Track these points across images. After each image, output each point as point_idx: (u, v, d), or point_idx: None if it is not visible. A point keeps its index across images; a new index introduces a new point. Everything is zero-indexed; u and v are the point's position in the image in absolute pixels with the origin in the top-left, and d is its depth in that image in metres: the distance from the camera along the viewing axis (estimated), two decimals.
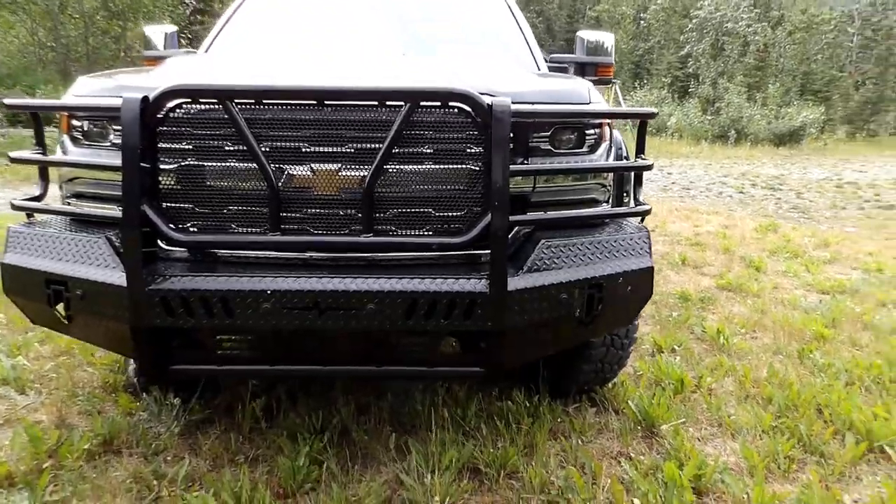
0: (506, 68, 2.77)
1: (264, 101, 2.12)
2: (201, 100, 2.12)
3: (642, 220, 2.64)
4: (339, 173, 2.16)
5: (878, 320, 4.65)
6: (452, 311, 2.11)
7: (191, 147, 2.15)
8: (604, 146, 2.48)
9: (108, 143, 2.35)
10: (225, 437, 2.79)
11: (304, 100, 2.13)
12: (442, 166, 2.18)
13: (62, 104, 2.36)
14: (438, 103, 2.13)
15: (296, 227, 2.18)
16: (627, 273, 2.32)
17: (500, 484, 2.54)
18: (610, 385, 3.30)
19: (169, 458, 2.65)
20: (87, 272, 2.17)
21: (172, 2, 18.39)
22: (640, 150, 2.52)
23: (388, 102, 2.12)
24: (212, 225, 2.19)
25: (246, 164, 2.15)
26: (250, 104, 2.11)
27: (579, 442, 2.84)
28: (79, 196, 2.47)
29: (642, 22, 44.06)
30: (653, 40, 42.18)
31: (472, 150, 2.17)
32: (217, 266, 2.24)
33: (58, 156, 2.41)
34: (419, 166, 2.18)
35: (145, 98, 2.05)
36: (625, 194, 2.88)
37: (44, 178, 2.54)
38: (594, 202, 2.51)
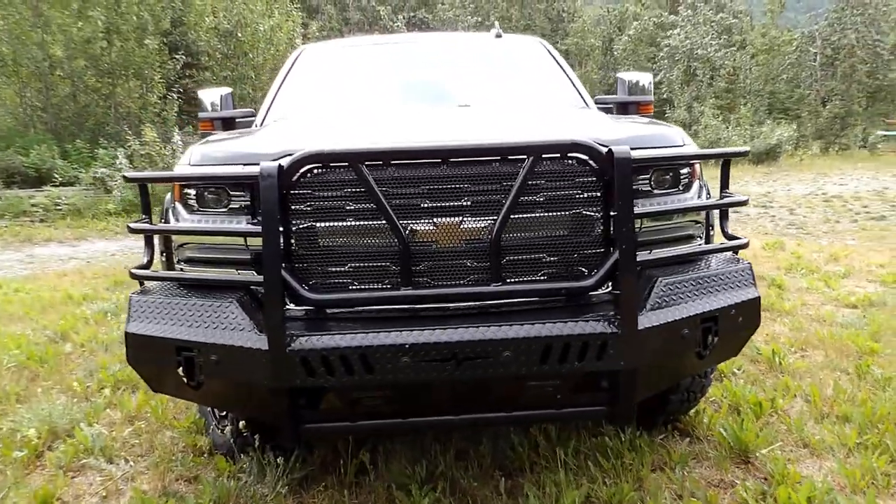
0: (590, 116, 2.88)
1: (392, 162, 2.21)
2: (332, 164, 2.19)
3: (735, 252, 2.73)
4: (464, 226, 2.23)
5: None
6: (585, 353, 2.17)
7: (320, 209, 2.21)
8: (696, 184, 2.59)
9: (226, 210, 2.40)
10: (332, 493, 2.80)
11: (431, 159, 2.21)
12: (560, 213, 2.27)
13: (196, 174, 2.40)
14: (558, 155, 2.22)
15: (426, 280, 2.24)
16: (738, 305, 2.41)
17: None
18: (692, 413, 3.36)
19: None
20: (222, 337, 2.20)
21: (162, 57, 18.50)
22: (724, 185, 2.64)
23: (510, 157, 2.22)
24: (343, 283, 2.24)
25: (374, 223, 2.21)
26: (378, 165, 2.19)
27: (683, 473, 2.89)
28: (189, 261, 2.51)
29: (609, 54, 45.10)
30: (622, 70, 43.08)
31: (589, 196, 2.26)
32: (338, 323, 2.28)
33: (185, 224, 2.44)
34: (540, 215, 2.26)
35: (280, 166, 2.12)
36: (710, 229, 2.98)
37: (150, 245, 2.59)
38: (691, 238, 2.61)
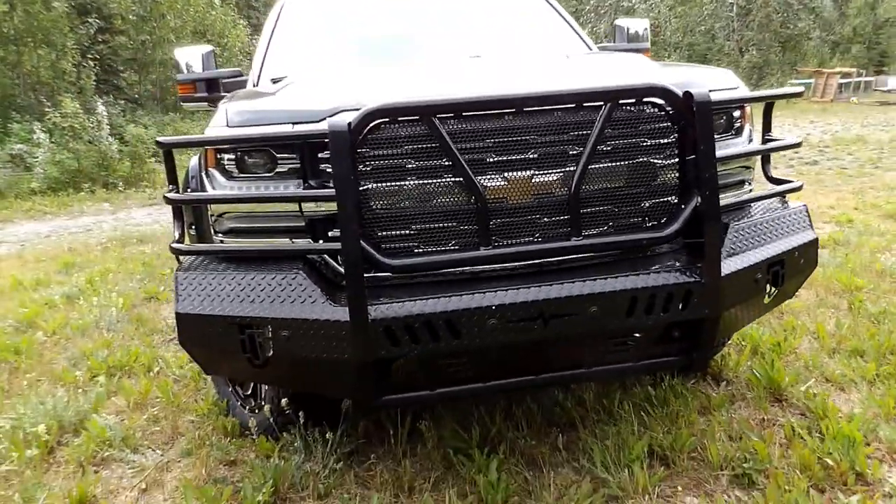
0: (637, 61, 2.79)
1: (464, 114, 2.08)
2: (400, 118, 2.04)
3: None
4: (538, 179, 2.14)
5: (892, 265, 5.00)
6: (670, 304, 2.14)
7: (389, 168, 2.07)
8: (747, 128, 2.57)
9: (272, 174, 2.21)
10: (387, 464, 2.70)
11: (505, 109, 2.10)
12: (636, 161, 2.20)
13: (252, 135, 2.17)
14: (633, 100, 2.15)
15: (504, 238, 2.14)
16: (801, 247, 2.43)
17: (685, 465, 2.60)
18: (718, 357, 3.42)
19: (347, 496, 2.54)
20: (294, 311, 2.05)
21: (72, 21, 17.17)
22: (768, 129, 2.63)
23: (585, 104, 2.12)
24: (415, 246, 2.12)
25: (448, 180, 2.09)
26: (447, 118, 2.06)
27: (729, 414, 2.94)
28: (230, 233, 2.32)
29: None
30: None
31: (664, 143, 2.20)
32: (411, 289, 2.16)
33: (225, 191, 2.23)
34: (616, 164, 2.18)
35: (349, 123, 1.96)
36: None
37: (180, 217, 2.39)
38: (743, 183, 2.60)
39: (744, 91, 2.54)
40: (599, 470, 2.56)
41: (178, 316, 2.15)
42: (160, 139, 2.22)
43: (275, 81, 3.26)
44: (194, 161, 2.57)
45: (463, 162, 2.04)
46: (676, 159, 2.20)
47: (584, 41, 3.92)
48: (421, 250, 2.12)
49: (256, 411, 2.97)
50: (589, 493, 2.42)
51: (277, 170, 2.21)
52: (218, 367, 2.37)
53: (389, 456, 2.78)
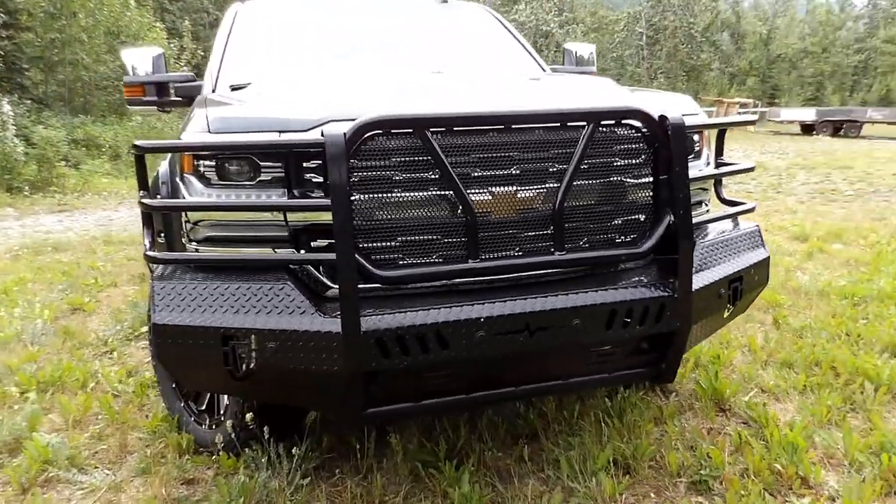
0: (606, 84, 2.91)
1: (455, 129, 2.11)
2: (393, 130, 2.06)
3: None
4: (524, 195, 2.20)
5: (806, 283, 5.38)
6: (646, 317, 2.24)
7: (381, 179, 2.08)
8: (706, 152, 2.74)
9: (254, 183, 2.17)
10: (356, 480, 2.67)
11: (494, 125, 2.15)
12: (614, 179, 2.30)
13: (252, 143, 2.12)
14: (613, 121, 2.25)
15: (491, 251, 2.18)
16: (756, 264, 2.60)
17: (646, 473, 2.71)
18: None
19: None
20: (282, 322, 2.01)
21: None
22: (720, 152, 2.81)
23: (569, 123, 2.20)
24: (408, 257, 2.13)
25: (438, 193, 2.12)
26: (440, 132, 2.09)
27: (681, 424, 3.08)
28: (206, 241, 2.25)
29: None
30: None
31: (640, 162, 2.31)
32: (398, 300, 2.17)
33: (204, 199, 2.16)
34: (597, 181, 2.28)
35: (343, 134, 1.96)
36: None
37: (150, 225, 2.31)
38: (701, 203, 2.76)
39: (704, 117, 2.70)
40: (567, 480, 2.63)
41: (156, 327, 2.06)
42: (139, 143, 2.14)
43: (235, 88, 3.19)
44: (165, 167, 2.48)
45: (454, 175, 2.07)
46: (651, 179, 2.31)
47: (537, 62, 4.04)
48: (409, 262, 2.13)
49: (214, 427, 2.87)
50: (560, 502, 2.48)
51: (260, 178, 2.17)
52: (195, 379, 2.29)
53: (356, 470, 2.75)
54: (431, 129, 2.06)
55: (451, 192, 2.10)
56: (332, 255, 1.99)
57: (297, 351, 2.01)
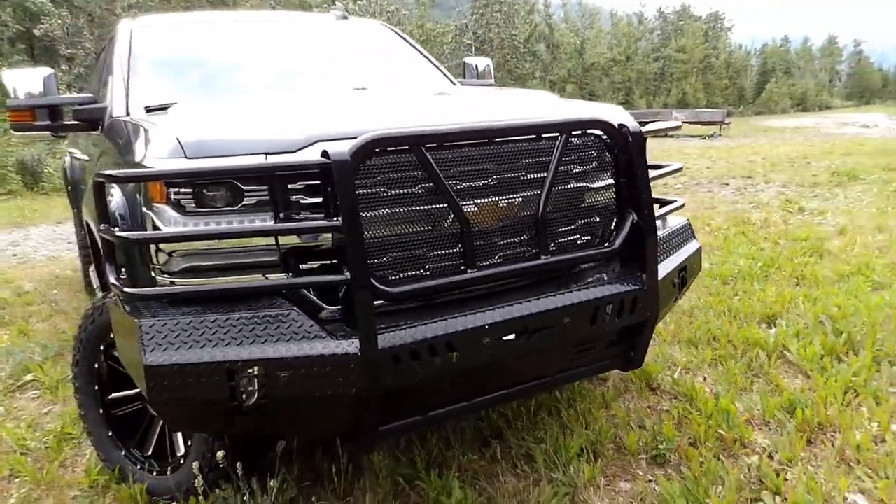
0: (547, 97, 3.05)
1: (445, 144, 2.16)
2: (389, 148, 2.07)
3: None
4: (509, 203, 2.30)
5: None
6: (622, 310, 2.42)
7: (381, 196, 2.08)
8: None
9: (238, 208, 2.08)
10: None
11: (479, 139, 2.23)
12: (583, 185, 2.47)
13: (265, 166, 2.04)
14: (580, 131, 2.41)
15: (484, 260, 2.25)
16: (695, 254, 2.89)
17: (611, 455, 2.90)
18: None
19: None
20: (294, 349, 1.94)
21: None
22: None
23: (544, 135, 2.33)
24: (410, 273, 2.14)
25: (433, 207, 2.15)
26: (432, 148, 2.13)
27: (627, 404, 3.32)
28: (190, 272, 2.10)
29: None
30: None
31: (605, 168, 2.50)
32: (406, 314, 2.18)
33: (180, 227, 2.03)
34: (569, 187, 2.43)
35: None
36: None
37: (113, 260, 2.14)
38: None
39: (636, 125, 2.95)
40: (544, 471, 2.75)
41: (149, 369, 1.90)
42: (109, 172, 1.97)
43: (152, 110, 3.01)
44: (119, 197, 2.26)
45: (449, 189, 2.12)
46: (614, 182, 2.50)
47: (446, 75, 4.15)
48: (411, 276, 2.14)
49: (171, 471, 2.67)
50: (551, 492, 2.60)
51: (244, 203, 2.08)
52: (194, 421, 2.13)
53: (335, 495, 2.69)
54: (426, 145, 2.09)
55: (447, 206, 2.15)
56: (339, 277, 1.97)
57: (312, 377, 1.95)
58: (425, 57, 4.25)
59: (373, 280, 2.00)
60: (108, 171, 1.99)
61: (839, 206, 9.15)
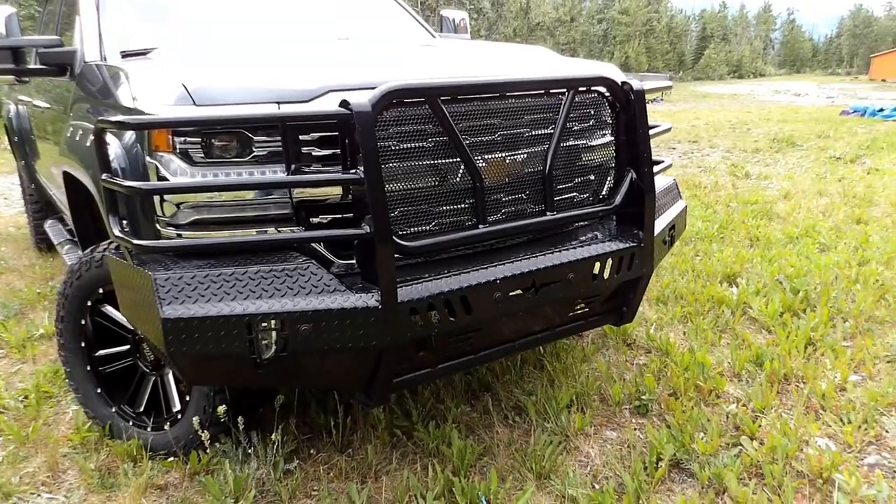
0: (548, 53, 3.04)
1: (459, 99, 2.16)
2: (406, 99, 2.05)
3: None
4: (518, 159, 2.32)
5: None
6: (621, 266, 2.49)
7: (397, 150, 2.07)
8: None
9: (250, 159, 2.04)
10: (341, 458, 2.65)
11: (491, 93, 2.22)
12: (587, 142, 2.51)
13: (295, 114, 2.00)
14: (585, 88, 2.43)
15: (495, 216, 2.27)
16: (682, 212, 2.99)
17: (597, 406, 3.02)
18: None
19: (324, 492, 2.45)
20: (315, 302, 1.94)
21: None
22: None
23: (552, 91, 2.35)
24: (424, 227, 2.14)
25: (448, 161, 2.15)
26: (446, 101, 2.12)
27: (607, 358, 3.44)
28: (199, 224, 2.06)
29: None
30: None
31: (607, 126, 2.54)
32: (421, 267, 2.19)
33: (188, 178, 1.98)
34: (572, 144, 2.46)
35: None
36: None
37: (117, 212, 2.08)
38: None
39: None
40: (536, 421, 2.85)
41: (167, 322, 1.86)
42: (117, 119, 1.89)
43: (128, 54, 2.89)
44: (117, 146, 2.16)
45: (463, 142, 2.13)
46: (615, 140, 2.55)
47: (426, 28, 4.09)
48: (426, 231, 2.15)
49: (169, 426, 2.64)
50: (546, 441, 2.69)
51: (254, 154, 2.04)
52: (211, 375, 2.10)
53: (334, 448, 2.72)
54: (441, 98, 2.08)
55: (460, 160, 2.15)
56: (359, 231, 1.97)
57: (332, 330, 1.96)
58: (403, 7, 4.18)
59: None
60: (115, 118, 1.92)
61: (781, 172, 9.53)
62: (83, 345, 2.73)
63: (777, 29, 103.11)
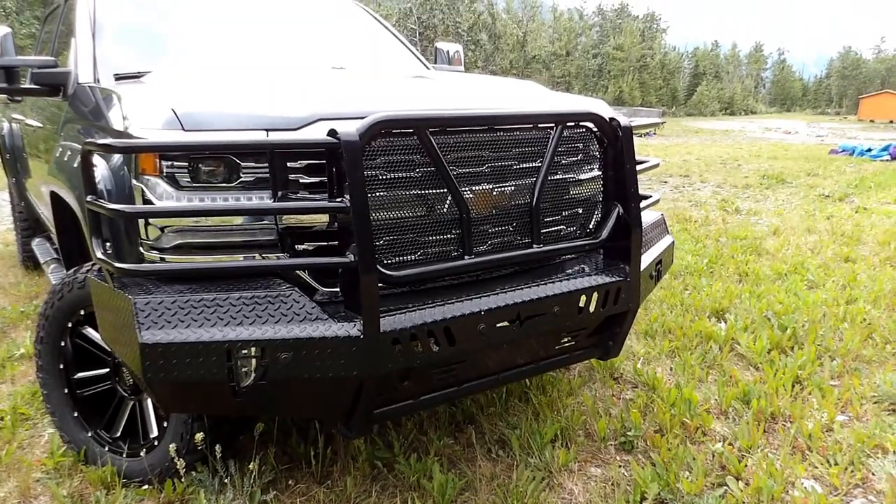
0: (538, 89, 3.06)
1: (447, 130, 2.16)
2: (394, 130, 2.05)
3: None
4: (504, 192, 2.32)
5: None
6: (607, 300, 2.49)
7: (383, 179, 2.07)
8: None
9: (236, 185, 2.03)
10: (319, 489, 2.60)
11: (480, 125, 2.24)
12: (573, 176, 2.52)
13: (289, 141, 2.02)
14: (573, 123, 2.45)
15: (481, 247, 2.27)
16: (669, 247, 2.99)
17: (582, 441, 2.98)
18: None
19: None
20: (297, 330, 1.92)
21: None
22: None
23: (540, 125, 2.36)
24: (413, 257, 2.14)
25: (434, 191, 2.15)
26: (434, 133, 2.13)
27: (593, 392, 3.42)
28: (182, 248, 2.03)
29: None
30: None
31: (593, 160, 2.55)
32: (403, 297, 2.18)
33: (173, 203, 1.96)
34: (559, 178, 2.47)
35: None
36: None
37: (100, 234, 2.06)
38: None
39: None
40: (520, 456, 2.81)
41: (145, 348, 1.84)
42: (104, 142, 1.88)
43: (121, 77, 2.91)
44: (104, 168, 2.15)
45: (450, 173, 2.13)
46: (602, 175, 2.56)
47: (420, 60, 4.13)
48: (409, 261, 2.14)
49: (145, 453, 2.59)
50: (529, 476, 2.65)
51: (241, 180, 2.03)
52: (188, 402, 2.06)
53: (313, 478, 2.67)
54: (430, 130, 2.09)
55: (447, 191, 2.15)
56: (343, 259, 1.95)
57: (313, 359, 1.93)
58: (398, 38, 4.22)
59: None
60: (102, 141, 1.92)
61: (770, 208, 9.61)
62: (62, 367, 2.69)
63: (768, 68, 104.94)
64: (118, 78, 2.95)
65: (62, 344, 2.67)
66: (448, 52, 4.45)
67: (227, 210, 1.95)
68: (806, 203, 9.99)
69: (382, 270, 2.00)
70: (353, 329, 1.94)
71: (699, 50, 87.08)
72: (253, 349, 1.90)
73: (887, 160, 16.51)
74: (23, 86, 3.20)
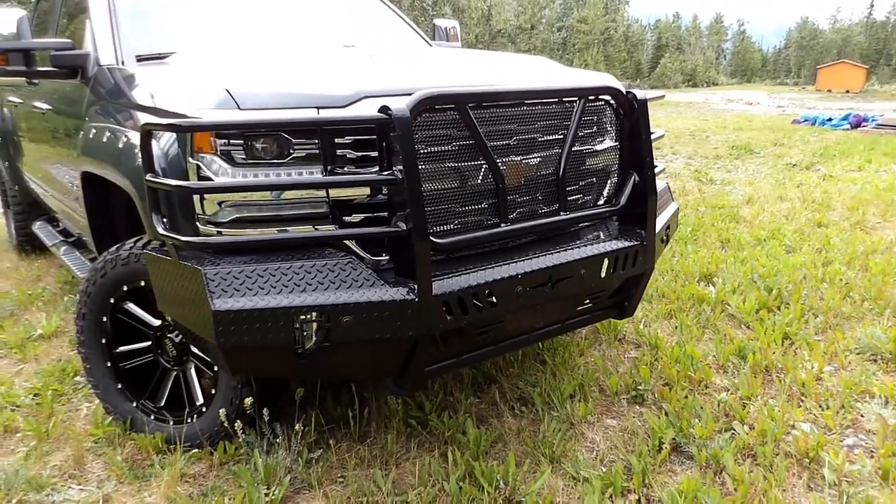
0: (553, 65, 3.20)
1: (483, 105, 2.31)
2: (438, 105, 2.19)
3: None
4: (534, 163, 2.48)
5: None
6: (626, 263, 2.68)
7: (430, 153, 2.21)
8: None
9: (289, 160, 2.15)
10: (361, 447, 2.76)
11: (514, 100, 2.39)
12: (593, 147, 2.69)
13: (345, 117, 2.14)
14: (594, 97, 2.61)
15: (514, 215, 2.43)
16: (675, 214, 3.19)
17: (596, 396, 3.20)
18: None
19: (351, 478, 2.56)
20: (357, 295, 2.07)
21: None
22: None
23: (564, 99, 2.52)
24: (454, 225, 2.29)
25: (474, 163, 2.30)
26: (472, 107, 2.27)
27: (601, 353, 3.63)
28: (240, 222, 2.16)
29: None
30: None
31: (611, 131, 2.72)
32: (448, 263, 2.34)
33: (229, 179, 2.09)
34: (582, 148, 2.63)
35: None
36: None
37: (158, 210, 2.18)
38: None
39: None
40: (543, 411, 3.01)
41: (217, 315, 1.97)
42: (169, 122, 1.99)
43: (144, 59, 2.98)
44: (159, 146, 2.24)
45: (488, 147, 2.28)
46: (619, 145, 2.73)
47: (421, 37, 4.24)
48: (453, 229, 2.29)
49: (194, 419, 2.72)
50: (555, 428, 2.85)
51: (294, 156, 2.15)
52: (256, 365, 2.20)
53: (352, 439, 2.83)
54: (469, 105, 2.23)
55: (484, 163, 2.30)
56: (396, 228, 2.10)
57: (372, 322, 2.09)
58: (399, 15, 4.32)
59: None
60: (167, 121, 2.02)
61: (742, 178, 9.93)
62: (104, 341, 2.79)
63: (728, 39, 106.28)
64: (140, 59, 3.02)
65: (104, 319, 2.76)
66: (445, 28, 4.56)
67: (288, 184, 2.08)
68: (775, 172, 10.34)
69: (431, 238, 2.15)
70: (408, 293, 2.10)
71: (661, 22, 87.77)
72: (316, 314, 2.04)
73: (847, 129, 17.04)
74: (40, 68, 3.24)
